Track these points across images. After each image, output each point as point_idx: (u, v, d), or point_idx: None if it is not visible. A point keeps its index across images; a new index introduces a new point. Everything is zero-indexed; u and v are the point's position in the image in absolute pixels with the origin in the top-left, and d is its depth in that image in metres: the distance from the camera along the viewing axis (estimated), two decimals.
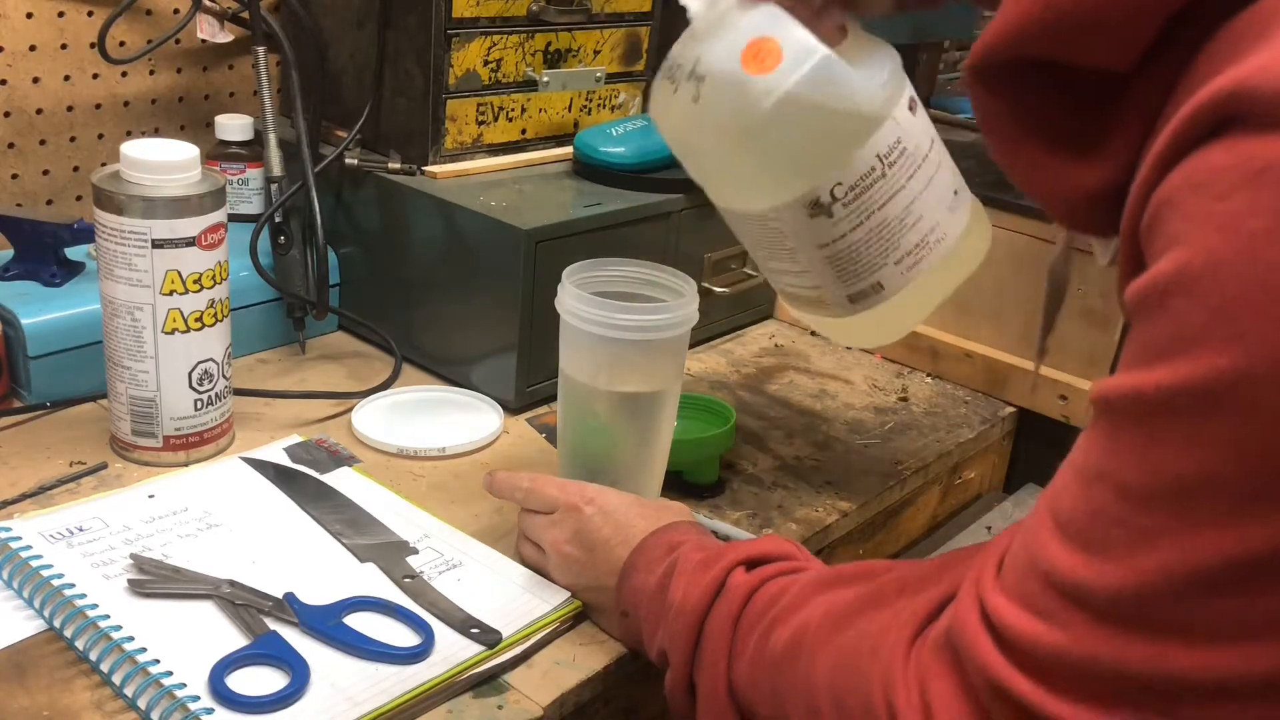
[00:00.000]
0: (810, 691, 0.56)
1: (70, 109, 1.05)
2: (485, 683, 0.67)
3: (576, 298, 0.74)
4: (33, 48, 1.00)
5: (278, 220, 1.00)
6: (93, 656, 0.64)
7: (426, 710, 0.64)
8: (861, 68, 0.73)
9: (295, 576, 0.72)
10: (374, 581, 0.73)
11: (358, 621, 0.68)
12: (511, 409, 0.97)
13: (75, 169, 1.06)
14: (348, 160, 1.02)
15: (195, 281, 0.80)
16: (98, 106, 1.06)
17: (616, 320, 0.73)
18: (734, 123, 0.71)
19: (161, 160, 0.79)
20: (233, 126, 1.07)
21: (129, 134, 1.09)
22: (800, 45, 0.69)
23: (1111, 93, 0.49)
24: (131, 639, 0.64)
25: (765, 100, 0.70)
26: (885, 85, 0.75)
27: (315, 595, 0.70)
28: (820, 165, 0.74)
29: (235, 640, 0.66)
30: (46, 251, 0.92)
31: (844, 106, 0.72)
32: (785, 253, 0.78)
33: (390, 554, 0.75)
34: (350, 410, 0.94)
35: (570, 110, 1.11)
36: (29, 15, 0.99)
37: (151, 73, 1.09)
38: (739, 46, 0.70)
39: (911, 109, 0.77)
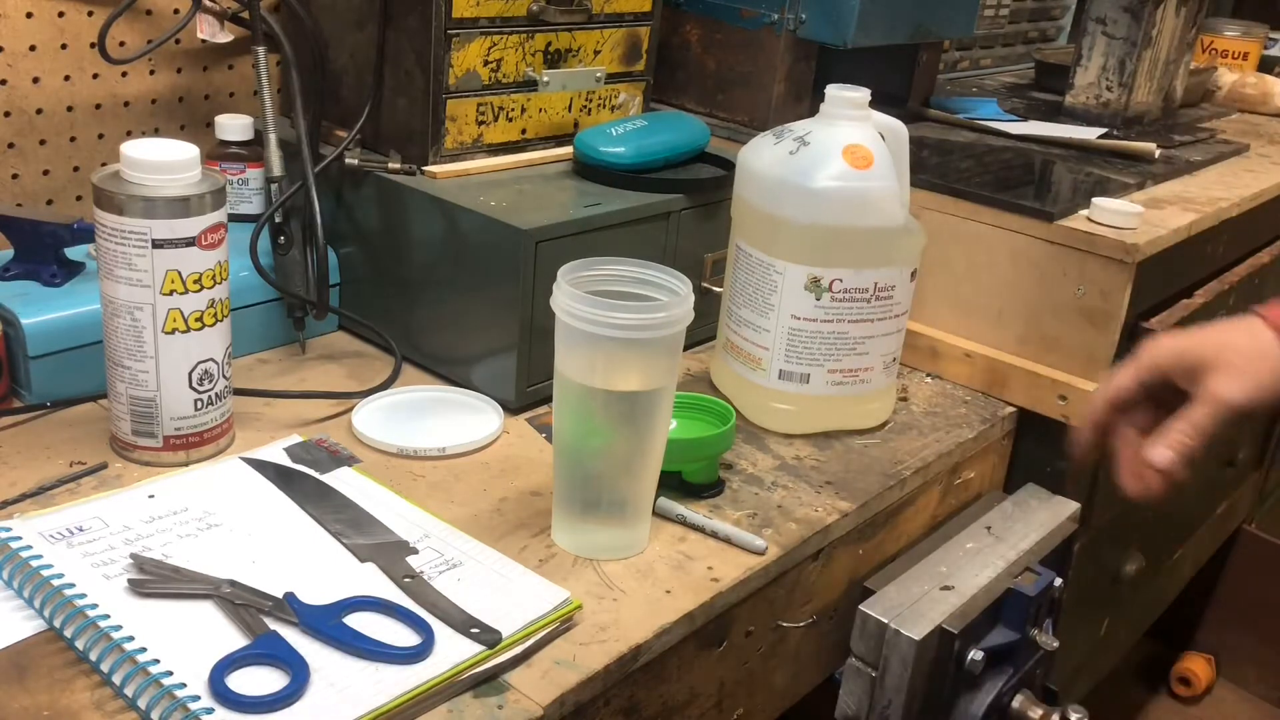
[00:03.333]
0: None
1: (70, 109, 1.05)
2: (485, 683, 0.67)
3: (572, 296, 0.74)
4: (33, 48, 1.00)
5: (278, 220, 1.00)
6: (93, 656, 0.64)
7: (426, 710, 0.64)
8: (915, 231, 0.96)
9: (295, 576, 0.72)
10: (374, 581, 0.73)
11: (358, 621, 0.68)
12: (511, 409, 0.97)
13: (75, 169, 1.06)
14: (348, 160, 1.02)
15: (195, 281, 0.80)
16: (98, 106, 1.06)
17: (612, 319, 0.73)
18: (811, 179, 0.91)
19: (161, 160, 0.79)
20: (233, 126, 1.07)
21: (129, 134, 1.09)
22: (887, 167, 0.92)
23: None
24: (131, 639, 0.64)
25: (845, 179, 0.91)
26: (919, 239, 0.96)
27: (315, 595, 0.70)
28: (840, 255, 0.93)
29: (235, 640, 0.66)
30: (46, 251, 0.92)
31: (886, 228, 0.93)
32: (764, 305, 0.96)
33: (390, 554, 0.76)
34: (350, 410, 0.94)
35: (570, 110, 1.11)
36: (29, 15, 0.99)
37: (151, 73, 1.09)
38: (844, 140, 0.92)
39: (912, 278, 0.97)
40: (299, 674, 0.63)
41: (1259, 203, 1.26)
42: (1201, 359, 0.73)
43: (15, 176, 1.03)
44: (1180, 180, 1.26)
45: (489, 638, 0.68)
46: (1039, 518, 1.04)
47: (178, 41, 1.09)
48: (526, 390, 0.97)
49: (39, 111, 1.03)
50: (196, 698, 0.61)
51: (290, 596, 0.69)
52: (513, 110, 1.06)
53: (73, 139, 1.06)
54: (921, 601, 0.90)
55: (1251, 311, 0.75)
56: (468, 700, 0.66)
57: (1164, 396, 0.77)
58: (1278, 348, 0.72)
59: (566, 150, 1.09)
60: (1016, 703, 0.97)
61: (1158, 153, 1.29)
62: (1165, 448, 0.73)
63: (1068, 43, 1.96)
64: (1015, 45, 1.87)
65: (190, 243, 0.79)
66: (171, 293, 0.80)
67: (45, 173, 1.05)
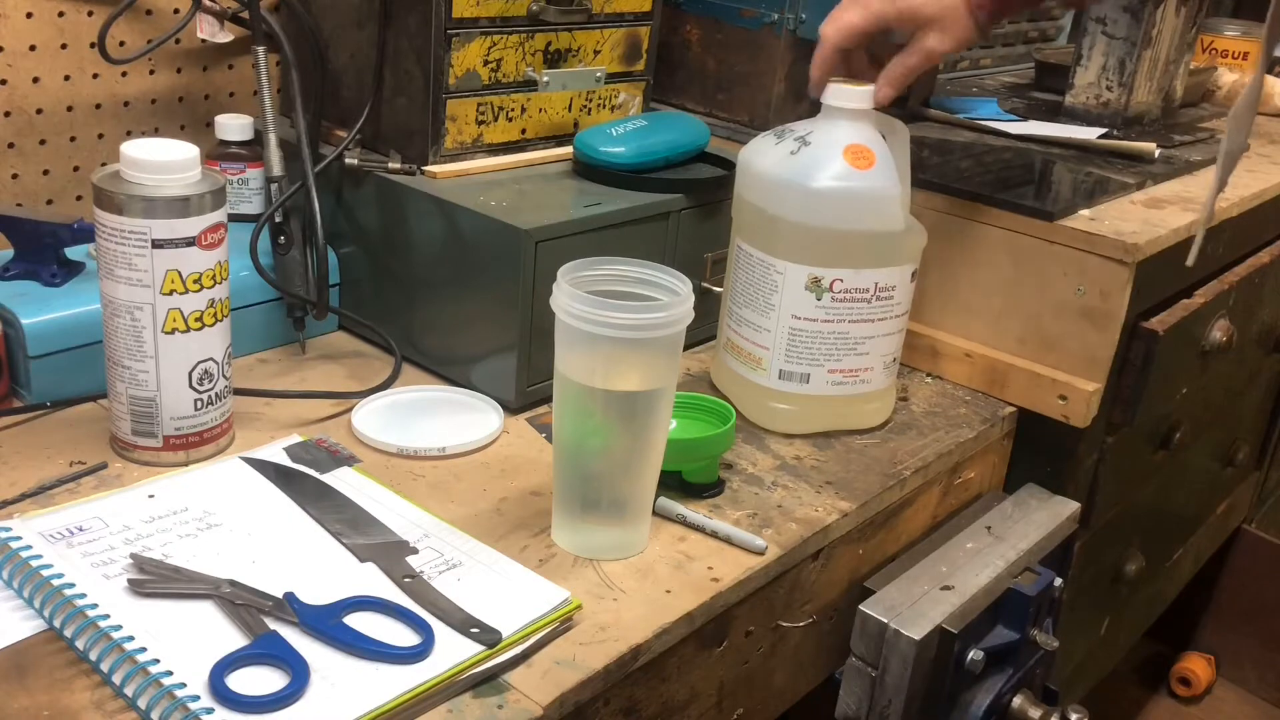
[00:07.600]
0: None
1: (70, 109, 1.05)
2: (485, 682, 0.67)
3: (572, 296, 0.74)
4: (33, 48, 1.01)
5: (278, 220, 1.00)
6: (93, 656, 0.64)
7: (426, 710, 0.64)
8: (915, 231, 0.97)
9: (295, 576, 0.72)
10: (374, 581, 0.73)
11: (358, 621, 0.68)
12: (511, 409, 0.97)
13: (75, 169, 1.06)
14: (348, 160, 1.02)
15: (195, 281, 0.80)
16: (98, 106, 1.06)
17: (612, 319, 0.73)
18: (812, 179, 0.91)
19: (161, 160, 0.79)
20: (233, 126, 1.07)
21: (129, 134, 1.09)
22: (889, 167, 0.93)
23: None
24: (131, 639, 0.64)
25: (846, 180, 0.91)
26: (919, 239, 0.97)
27: (315, 595, 0.70)
28: (840, 255, 0.93)
29: (235, 640, 0.66)
30: (46, 251, 0.92)
31: (887, 229, 0.94)
32: (765, 305, 0.96)
33: (390, 554, 0.76)
34: (350, 410, 0.94)
35: (570, 110, 1.11)
36: (29, 15, 0.99)
37: (151, 73, 1.09)
38: (845, 140, 0.92)
39: (912, 278, 0.97)
40: (299, 674, 0.63)
41: (1259, 203, 1.26)
42: (921, 15, 0.93)
43: (15, 176, 1.03)
44: (1180, 180, 1.26)
45: (489, 638, 0.68)
46: (1039, 518, 1.04)
47: (178, 41, 1.09)
48: (526, 390, 0.97)
49: (39, 111, 1.03)
50: (196, 698, 0.61)
51: (290, 596, 0.69)
52: (513, 110, 1.06)
53: (73, 139, 1.06)
54: (921, 601, 0.90)
55: None
56: (468, 700, 0.66)
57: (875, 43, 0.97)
58: (964, 8, 0.93)
59: (566, 150, 1.09)
60: (1016, 703, 0.98)
61: (1158, 153, 1.28)
62: (886, 85, 0.95)
63: (1068, 43, 1.96)
64: (1015, 45, 1.86)
65: (190, 243, 0.79)
66: (171, 293, 0.80)
67: (45, 173, 1.05)
